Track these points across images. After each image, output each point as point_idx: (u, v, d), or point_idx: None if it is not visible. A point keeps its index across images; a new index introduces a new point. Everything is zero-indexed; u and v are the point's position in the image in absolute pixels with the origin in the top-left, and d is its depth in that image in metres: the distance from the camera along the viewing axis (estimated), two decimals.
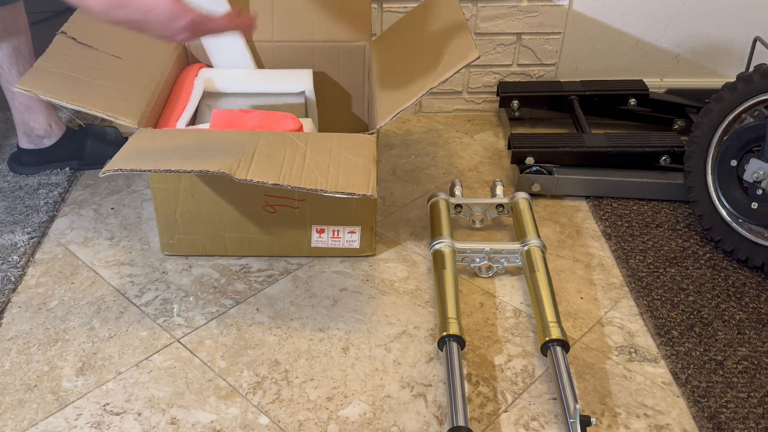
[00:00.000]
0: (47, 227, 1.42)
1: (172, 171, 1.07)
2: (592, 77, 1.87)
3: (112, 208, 1.48)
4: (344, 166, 1.13)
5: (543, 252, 1.28)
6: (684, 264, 1.34)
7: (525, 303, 1.26)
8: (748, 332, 1.19)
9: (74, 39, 1.31)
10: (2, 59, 1.42)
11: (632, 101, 1.76)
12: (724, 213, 1.36)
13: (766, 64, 1.30)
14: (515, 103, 1.77)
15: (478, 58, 1.19)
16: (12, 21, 1.40)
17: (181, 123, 1.33)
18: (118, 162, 1.09)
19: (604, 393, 1.09)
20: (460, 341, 1.10)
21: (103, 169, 1.07)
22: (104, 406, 1.05)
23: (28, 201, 1.47)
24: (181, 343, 1.16)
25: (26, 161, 1.56)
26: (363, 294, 1.27)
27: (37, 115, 1.51)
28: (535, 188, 1.52)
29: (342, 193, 1.07)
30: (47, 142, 1.54)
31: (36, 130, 1.52)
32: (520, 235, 1.34)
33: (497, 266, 1.31)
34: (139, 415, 1.04)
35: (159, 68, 1.39)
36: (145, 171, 1.08)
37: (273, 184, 1.07)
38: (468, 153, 1.71)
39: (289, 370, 1.11)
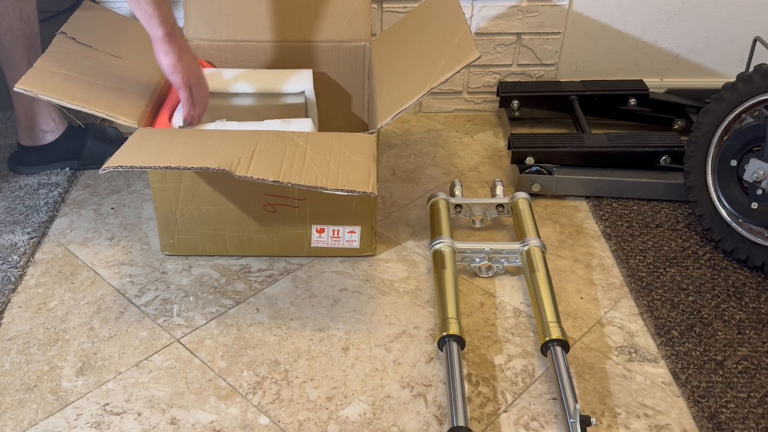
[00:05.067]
0: (47, 227, 1.42)
1: (172, 168, 1.07)
2: (592, 77, 1.87)
3: (112, 208, 1.48)
4: (344, 164, 1.13)
5: (543, 252, 1.28)
6: (684, 264, 1.34)
7: (525, 303, 1.26)
8: (748, 332, 1.19)
9: (74, 39, 1.31)
10: (16, 49, 1.42)
11: (632, 101, 1.76)
12: (724, 213, 1.36)
13: (766, 64, 1.30)
14: (515, 103, 1.77)
15: (479, 58, 1.19)
16: (27, 12, 1.41)
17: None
18: (117, 159, 1.09)
19: (604, 393, 1.09)
20: (460, 341, 1.10)
21: (103, 166, 1.07)
22: (104, 406, 1.05)
23: (28, 201, 1.47)
24: (181, 343, 1.16)
25: (26, 160, 1.55)
26: (363, 294, 1.27)
27: (41, 108, 1.51)
28: (535, 188, 1.52)
29: (342, 190, 1.07)
30: (49, 138, 1.54)
31: (40, 124, 1.52)
32: (520, 235, 1.33)
33: (497, 266, 1.31)
34: (139, 415, 1.04)
35: (159, 68, 1.39)
36: (145, 168, 1.08)
37: (273, 181, 1.07)
38: (468, 153, 1.71)
39: (289, 370, 1.11)
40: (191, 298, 1.25)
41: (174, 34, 1.23)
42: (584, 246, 1.40)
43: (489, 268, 1.31)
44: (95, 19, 1.41)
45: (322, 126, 1.62)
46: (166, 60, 1.23)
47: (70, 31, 1.32)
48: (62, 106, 1.20)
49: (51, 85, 1.19)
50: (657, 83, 1.87)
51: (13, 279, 1.27)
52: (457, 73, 1.20)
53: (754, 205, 1.31)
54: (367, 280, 1.30)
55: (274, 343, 1.16)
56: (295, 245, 1.32)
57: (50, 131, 1.54)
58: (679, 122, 1.76)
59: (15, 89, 1.17)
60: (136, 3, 1.18)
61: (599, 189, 1.53)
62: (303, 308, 1.23)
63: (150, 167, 1.08)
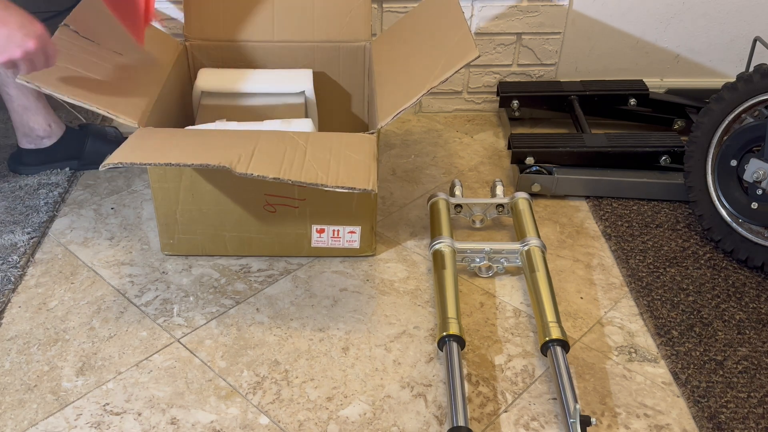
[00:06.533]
0: (47, 227, 1.42)
1: (173, 164, 1.07)
2: (592, 77, 1.87)
3: (112, 208, 1.48)
4: (345, 163, 1.13)
5: (543, 252, 1.28)
6: (684, 264, 1.34)
7: (525, 303, 1.26)
8: (748, 332, 1.19)
9: (77, 32, 1.31)
10: None
11: (632, 101, 1.76)
12: (724, 213, 1.36)
13: (766, 64, 1.30)
14: (515, 103, 1.77)
15: (478, 57, 1.19)
16: None
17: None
18: (118, 156, 1.09)
19: (604, 393, 1.09)
20: (460, 341, 1.10)
21: (104, 163, 1.07)
22: (104, 406, 1.05)
23: (28, 201, 1.47)
24: (181, 343, 1.16)
25: (26, 161, 1.55)
26: (363, 294, 1.27)
27: (35, 115, 1.51)
28: (535, 188, 1.52)
29: (342, 187, 1.07)
30: (47, 142, 1.54)
31: (36, 130, 1.52)
32: (520, 235, 1.33)
33: (497, 266, 1.31)
34: (139, 415, 1.04)
35: (159, 68, 1.39)
36: (145, 164, 1.08)
37: (273, 178, 1.07)
38: (468, 153, 1.71)
39: (289, 370, 1.11)
40: (191, 298, 1.25)
41: None
42: (584, 246, 1.40)
43: (489, 268, 1.31)
44: (98, 13, 1.40)
45: (322, 126, 1.62)
46: None
47: (72, 23, 1.32)
48: (63, 101, 1.20)
49: (53, 79, 1.19)
50: (657, 83, 1.87)
51: (13, 279, 1.27)
52: (456, 72, 1.20)
53: (754, 205, 1.31)
54: (367, 280, 1.30)
55: (274, 343, 1.16)
56: (295, 245, 1.32)
57: (47, 136, 1.54)
58: (679, 122, 1.76)
59: (17, 80, 1.16)
60: None
61: (599, 189, 1.53)
62: (303, 308, 1.23)
63: (150, 164, 1.08)
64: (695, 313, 1.23)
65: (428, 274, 1.32)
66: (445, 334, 1.10)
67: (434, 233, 1.33)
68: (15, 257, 1.31)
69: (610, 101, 1.77)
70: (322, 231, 1.31)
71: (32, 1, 1.45)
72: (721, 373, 1.11)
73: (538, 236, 1.31)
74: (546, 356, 1.12)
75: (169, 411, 1.05)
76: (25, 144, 1.54)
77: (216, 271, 1.31)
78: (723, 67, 1.86)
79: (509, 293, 1.28)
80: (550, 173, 1.52)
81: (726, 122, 1.36)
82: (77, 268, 1.31)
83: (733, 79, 1.35)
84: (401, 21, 1.51)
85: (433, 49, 1.30)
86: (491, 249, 1.30)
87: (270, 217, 1.29)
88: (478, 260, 1.31)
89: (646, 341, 1.18)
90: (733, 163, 1.34)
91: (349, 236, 1.31)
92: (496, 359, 1.14)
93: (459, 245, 1.29)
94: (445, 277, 1.21)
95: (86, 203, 1.50)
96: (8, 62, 1.09)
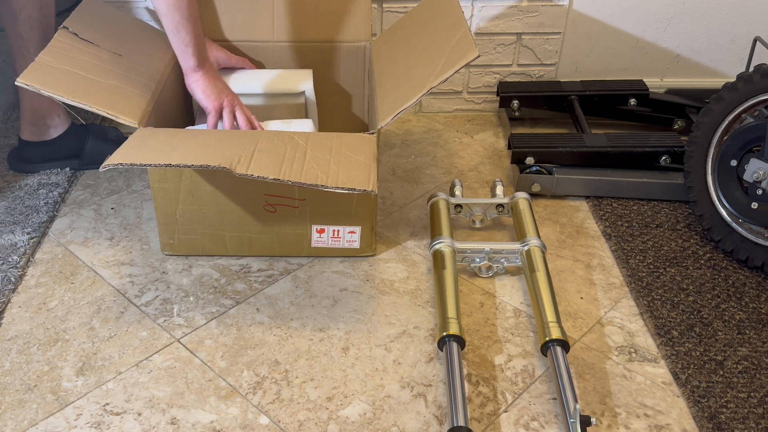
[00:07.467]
0: (47, 227, 1.42)
1: (173, 165, 1.07)
2: (592, 77, 1.87)
3: (112, 208, 1.48)
4: (345, 163, 1.13)
5: (543, 252, 1.28)
6: (684, 264, 1.34)
7: (525, 303, 1.26)
8: (748, 332, 1.19)
9: (76, 35, 1.31)
10: (31, 40, 1.41)
11: (632, 101, 1.76)
12: (724, 213, 1.36)
13: (766, 64, 1.30)
14: (515, 103, 1.77)
15: (478, 57, 1.19)
16: (46, 4, 1.41)
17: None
18: (118, 156, 1.09)
19: (604, 393, 1.09)
20: (460, 341, 1.10)
21: (104, 164, 1.07)
22: (104, 406, 1.05)
23: (28, 201, 1.47)
24: (181, 343, 1.16)
25: (28, 156, 1.55)
26: (363, 294, 1.27)
27: (48, 102, 1.50)
28: (535, 188, 1.52)
29: (343, 188, 1.07)
30: (53, 133, 1.54)
31: (45, 118, 1.52)
32: (520, 235, 1.34)
33: (497, 266, 1.31)
34: (139, 415, 1.04)
35: (160, 68, 1.39)
36: (145, 165, 1.08)
37: (273, 179, 1.07)
38: (468, 153, 1.71)
39: (289, 370, 1.11)
40: (191, 298, 1.25)
41: (205, 64, 1.30)
42: (584, 246, 1.40)
43: (489, 268, 1.31)
44: (98, 16, 1.40)
45: (322, 126, 1.62)
46: (196, 87, 1.30)
47: (72, 26, 1.32)
48: (63, 102, 1.20)
49: (52, 81, 1.19)
50: (657, 83, 1.87)
51: (13, 279, 1.27)
52: (456, 72, 1.20)
53: (754, 205, 1.31)
54: (367, 280, 1.30)
55: (274, 343, 1.16)
56: (295, 245, 1.32)
57: (54, 127, 1.54)
58: (679, 122, 1.76)
59: (16, 83, 1.17)
60: (176, 32, 1.23)
61: (599, 189, 1.53)
62: (303, 308, 1.23)
63: (150, 165, 1.08)
64: (695, 313, 1.23)
65: (428, 274, 1.32)
66: (445, 334, 1.10)
67: (434, 233, 1.33)
68: (15, 257, 1.32)
69: (610, 101, 1.77)
70: (322, 231, 1.31)
71: None
72: (721, 373, 1.11)
73: (538, 236, 1.31)
74: (546, 356, 1.12)
75: (169, 411, 1.05)
76: (29, 135, 1.53)
77: (216, 271, 1.31)
78: (723, 67, 1.86)
79: (509, 293, 1.28)
80: (550, 173, 1.52)
81: (726, 122, 1.36)
82: (77, 268, 1.31)
83: (733, 79, 1.35)
84: (401, 21, 1.51)
85: (433, 48, 1.30)
86: (491, 249, 1.30)
87: (270, 217, 1.29)
88: (478, 260, 1.31)
89: (646, 341, 1.18)
90: (733, 163, 1.34)
91: (349, 236, 1.31)
92: (496, 359, 1.14)
93: (459, 245, 1.29)
94: (445, 277, 1.21)
95: (86, 203, 1.50)
96: (219, 107, 1.29)
